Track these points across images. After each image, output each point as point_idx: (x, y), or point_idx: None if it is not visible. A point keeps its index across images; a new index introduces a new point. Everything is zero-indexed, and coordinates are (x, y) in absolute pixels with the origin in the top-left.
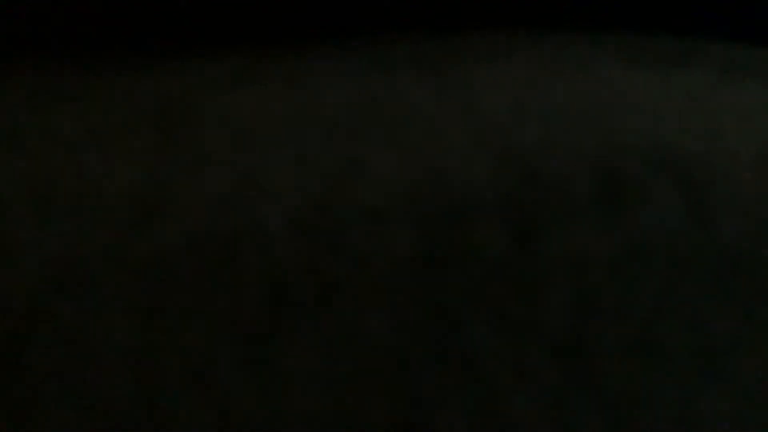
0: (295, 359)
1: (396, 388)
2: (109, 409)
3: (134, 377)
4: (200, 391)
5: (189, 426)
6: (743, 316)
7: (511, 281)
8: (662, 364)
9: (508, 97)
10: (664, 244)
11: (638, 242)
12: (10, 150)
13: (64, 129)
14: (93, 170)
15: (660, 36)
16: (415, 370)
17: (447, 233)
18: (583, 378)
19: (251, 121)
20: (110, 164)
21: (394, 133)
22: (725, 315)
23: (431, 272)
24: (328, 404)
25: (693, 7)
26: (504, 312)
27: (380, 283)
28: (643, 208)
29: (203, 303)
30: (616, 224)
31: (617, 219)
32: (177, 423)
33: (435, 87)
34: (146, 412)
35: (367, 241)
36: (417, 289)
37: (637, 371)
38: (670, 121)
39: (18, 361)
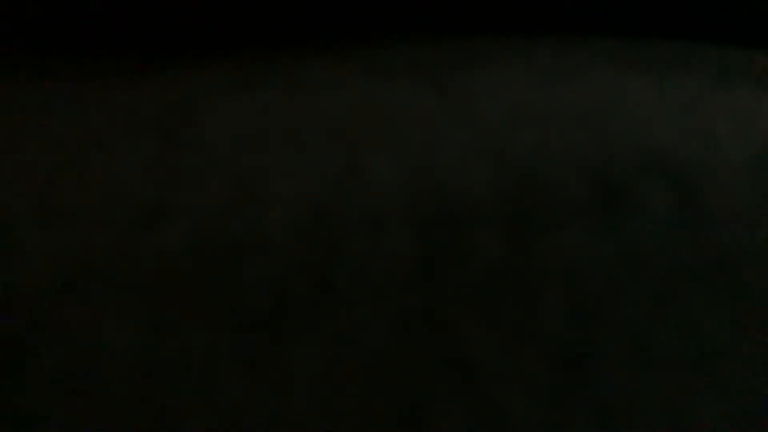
0: (295, 363)
1: (394, 392)
2: (110, 412)
3: (136, 380)
4: (201, 394)
5: (190, 428)
6: (738, 319)
7: (508, 285)
8: (658, 368)
9: (506, 103)
10: (659, 248)
11: (633, 247)
12: (11, 154)
13: (65, 134)
14: (95, 175)
15: (655, 40)
16: (413, 375)
17: (445, 238)
18: (579, 381)
19: (252, 126)
20: (112, 169)
21: (392, 139)
22: (720, 319)
23: (429, 277)
24: (327, 407)
25: (687, 11)
26: (501, 316)
27: (379, 288)
28: (638, 212)
29: (204, 307)
30: (611, 229)
31: (613, 223)
32: (178, 425)
33: (433, 93)
34: (147, 414)
35: (366, 246)
36: (415, 293)
37: (633, 375)
38: (665, 126)
39: (21, 365)
